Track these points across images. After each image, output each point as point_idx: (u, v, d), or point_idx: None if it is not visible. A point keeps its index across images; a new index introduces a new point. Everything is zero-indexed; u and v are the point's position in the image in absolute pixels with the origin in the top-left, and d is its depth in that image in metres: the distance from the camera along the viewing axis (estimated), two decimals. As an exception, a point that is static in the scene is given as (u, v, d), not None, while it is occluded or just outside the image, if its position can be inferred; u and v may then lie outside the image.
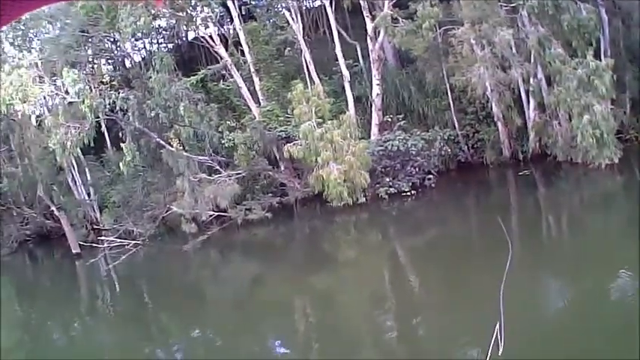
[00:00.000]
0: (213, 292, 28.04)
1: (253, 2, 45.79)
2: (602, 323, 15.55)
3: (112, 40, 44.57)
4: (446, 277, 22.44)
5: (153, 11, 36.45)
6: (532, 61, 34.94)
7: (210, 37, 38.72)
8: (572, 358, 13.79)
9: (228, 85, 39.81)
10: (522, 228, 27.97)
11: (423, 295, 21.75)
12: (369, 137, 37.01)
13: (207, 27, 39.22)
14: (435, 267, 24.18)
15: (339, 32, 39.15)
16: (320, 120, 34.44)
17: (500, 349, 13.51)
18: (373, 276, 25.63)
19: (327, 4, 39.06)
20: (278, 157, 37.65)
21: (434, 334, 17.61)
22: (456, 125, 37.80)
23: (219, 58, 39.53)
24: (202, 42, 41.16)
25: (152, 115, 36.29)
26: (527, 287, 19.07)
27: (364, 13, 38.36)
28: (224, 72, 39.81)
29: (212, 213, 35.44)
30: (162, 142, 36.99)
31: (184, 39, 48.01)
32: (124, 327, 24.39)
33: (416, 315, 19.45)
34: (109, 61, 48.18)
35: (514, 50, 34.76)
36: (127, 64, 48.06)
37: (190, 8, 38.51)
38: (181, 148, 36.97)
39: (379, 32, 38.02)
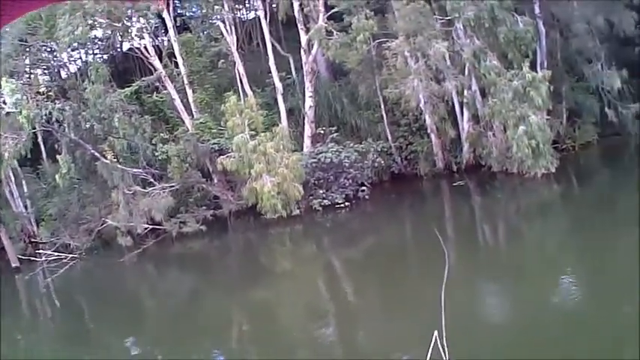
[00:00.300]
0: (151, 305, 28.11)
1: (188, 14, 46.12)
2: (542, 329, 16.03)
3: (49, 49, 44.25)
4: (382, 287, 22.95)
5: (90, 21, 36.43)
6: (466, 73, 35.65)
7: (145, 48, 38.73)
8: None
9: (161, 97, 39.75)
10: (458, 237, 28.54)
11: (360, 305, 22.18)
12: (302, 149, 37.29)
13: (142, 38, 39.18)
14: (371, 277, 24.63)
15: (272, 45, 39.45)
16: (253, 132, 34.59)
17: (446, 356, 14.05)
18: (310, 287, 26.00)
19: (262, 16, 39.48)
20: (211, 170, 37.62)
21: (371, 344, 18.04)
22: (389, 137, 38.22)
23: (153, 69, 39.43)
24: (137, 53, 41.02)
25: (87, 126, 36.16)
26: (466, 295, 19.31)
27: (299, 25, 38.75)
28: (158, 84, 39.75)
29: (147, 226, 35.39)
30: (97, 154, 36.68)
31: (119, 50, 47.48)
32: (62, 342, 24.26)
33: (353, 325, 19.93)
34: (46, 71, 47.75)
35: (448, 63, 35.32)
36: (63, 74, 47.44)
37: (127, 19, 38.58)
38: (116, 160, 36.74)
39: (313, 45, 38.49)
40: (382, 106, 38.07)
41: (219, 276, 30.03)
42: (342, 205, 35.15)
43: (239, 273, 29.78)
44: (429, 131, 37.46)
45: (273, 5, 41.80)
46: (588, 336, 15.18)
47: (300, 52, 39.49)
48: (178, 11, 43.87)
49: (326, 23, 37.28)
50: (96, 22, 37.33)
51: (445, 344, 14.30)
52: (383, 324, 18.99)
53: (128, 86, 39.17)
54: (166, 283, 31.04)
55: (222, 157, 34.87)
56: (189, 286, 29.86)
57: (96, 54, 47.01)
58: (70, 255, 35.31)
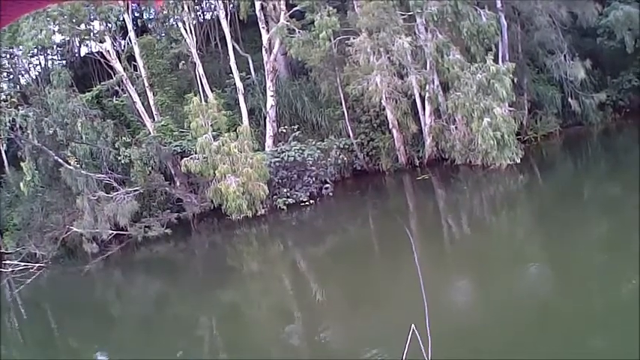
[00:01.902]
0: (120, 312, 28.38)
1: (146, 16, 46.86)
2: (509, 319, 16.94)
3: (9, 55, 44.79)
4: (350, 283, 23.62)
5: (52, 26, 37.22)
6: (429, 67, 36.62)
7: (107, 51, 39.07)
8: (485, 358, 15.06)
9: (122, 101, 40.26)
10: (424, 231, 29.32)
11: (329, 302, 22.77)
12: (264, 149, 38.00)
13: (103, 41, 39.47)
14: (339, 274, 25.43)
15: (232, 45, 40.32)
16: (216, 133, 35.34)
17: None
18: (278, 287, 26.68)
19: (222, 16, 40.08)
20: (174, 173, 38.31)
21: (342, 341, 18.73)
22: (351, 134, 39.13)
23: (112, 73, 39.99)
24: (96, 57, 41.73)
25: (50, 132, 36.51)
26: (435, 288, 19.63)
27: (260, 24, 39.59)
28: (117, 88, 40.37)
29: (112, 232, 35.67)
30: (60, 160, 37.10)
31: (77, 55, 48.26)
32: (31, 353, 24.63)
33: (323, 323, 20.34)
34: (6, 77, 48.29)
35: (410, 58, 36.20)
36: (23, 80, 47.83)
37: (89, 21, 39.19)
38: (79, 166, 37.06)
39: (274, 44, 39.42)
40: (343, 103, 38.94)
41: (187, 279, 30.34)
42: (307, 203, 35.92)
43: (207, 275, 30.14)
44: (390, 127, 38.40)
45: (231, 6, 42.55)
46: (555, 325, 15.81)
47: (258, 52, 40.63)
48: (135, 14, 44.50)
49: (287, 21, 38.17)
50: (59, 26, 37.87)
51: (419, 337, 15.46)
52: (353, 320, 19.62)
53: (88, 91, 39.50)
54: (134, 289, 31.48)
55: (185, 159, 35.40)
56: (157, 290, 30.19)
57: (54, 59, 47.72)
58: (37, 264, 35.35)
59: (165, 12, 40.69)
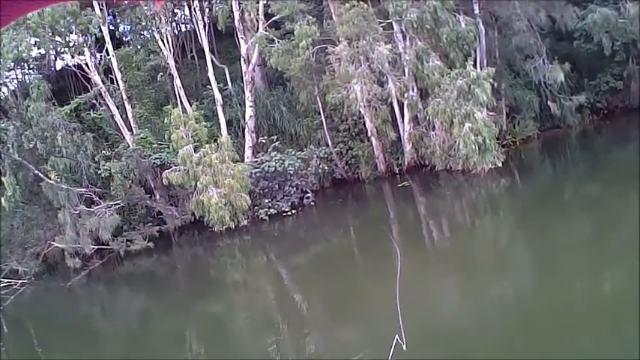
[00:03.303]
0: (104, 327, 28.87)
1: (122, 28, 47.58)
2: (498, 321, 17.96)
3: None
4: (334, 293, 24.20)
5: (31, 39, 37.66)
6: (408, 74, 37.55)
7: (86, 64, 39.76)
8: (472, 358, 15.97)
9: (100, 114, 40.42)
10: (406, 238, 30.09)
11: (314, 312, 23.63)
12: (243, 160, 38.58)
13: (81, 53, 40.18)
14: (322, 284, 26.06)
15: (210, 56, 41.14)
16: (197, 144, 35.99)
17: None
18: (262, 298, 27.39)
19: (201, 27, 40.97)
20: (153, 186, 38.83)
21: (326, 351, 19.42)
22: (329, 143, 40.01)
23: (89, 86, 40.52)
24: (73, 70, 42.43)
25: (30, 146, 36.89)
26: (420, 294, 21.01)
27: (238, 35, 40.59)
28: (94, 101, 40.66)
29: (94, 246, 36.05)
30: (40, 174, 37.42)
31: (53, 69, 48.98)
32: None
33: (308, 333, 21.26)
34: None
35: (389, 65, 37.08)
36: (2, 93, 47.56)
37: (68, 33, 39.65)
38: (59, 180, 37.44)
39: (252, 54, 40.31)
40: (321, 113, 39.79)
41: (171, 293, 30.67)
42: (289, 213, 36.68)
43: (191, 288, 30.68)
44: (369, 135, 39.30)
45: (206, 17, 42.99)
46: (539, 326, 16.62)
47: (234, 63, 41.69)
48: (110, 27, 44.89)
49: (266, 31, 39.05)
50: (38, 38, 38.28)
51: (404, 341, 16.30)
52: (336, 330, 20.41)
53: (66, 104, 39.76)
54: (118, 304, 31.92)
55: (167, 171, 35.96)
56: (141, 305, 30.71)
57: (30, 73, 48.28)
58: (20, 281, 35.39)
59: (143, 23, 41.56)
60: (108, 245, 36.39)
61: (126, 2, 43.31)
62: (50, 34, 38.37)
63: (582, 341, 15.49)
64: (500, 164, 34.82)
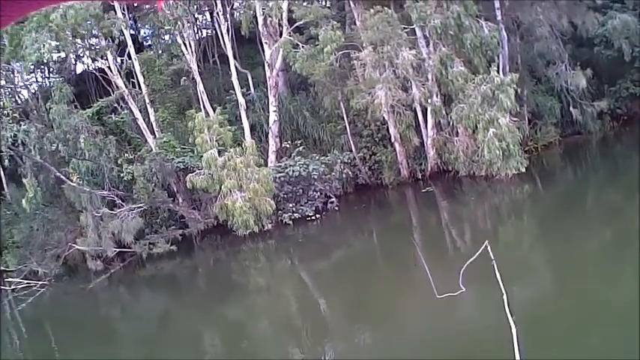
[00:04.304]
0: (125, 330, 29.17)
1: (142, 32, 48.46)
2: (527, 329, 17.84)
3: (10, 70, 45.09)
4: (356, 298, 24.89)
5: (53, 41, 38.23)
6: (431, 80, 38.35)
7: (108, 67, 40.28)
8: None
9: (122, 118, 41.04)
10: (429, 244, 30.65)
11: (336, 317, 24.25)
12: (266, 165, 39.04)
13: (103, 57, 40.70)
14: (345, 289, 26.67)
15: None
16: (221, 148, 36.61)
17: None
18: (285, 302, 28.06)
19: (224, 31, 41.49)
20: (176, 190, 39.45)
21: (350, 355, 19.94)
22: (353, 148, 40.75)
23: (110, 90, 41.09)
24: (94, 74, 43.23)
25: (52, 148, 37.39)
26: (445, 301, 21.38)
27: (262, 39, 41.44)
28: (116, 104, 41.38)
29: (117, 249, 36.61)
30: (62, 176, 38.19)
31: (73, 72, 49.54)
32: None
33: (330, 338, 21.90)
34: (5, 93, 48.82)
35: (413, 71, 37.76)
36: (22, 96, 48.27)
37: (90, 37, 40.71)
38: (81, 182, 38.33)
39: (276, 59, 40.96)
40: (345, 118, 40.58)
41: (194, 296, 31.23)
42: (313, 218, 37.36)
43: (215, 292, 30.95)
44: (392, 140, 40.00)
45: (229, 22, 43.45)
46: (555, 334, 17.19)
47: (256, 69, 42.60)
48: (131, 31, 45.25)
49: (291, 36, 39.83)
50: (61, 41, 38.95)
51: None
52: (360, 335, 21.14)
53: (88, 108, 40.31)
54: (140, 307, 32.41)
55: (191, 174, 36.54)
56: (162, 308, 31.16)
57: (51, 76, 48.93)
58: (39, 282, 35.87)
59: (167, 27, 42.28)
60: (130, 248, 36.90)
61: (146, 6, 44.16)
62: (72, 37, 39.24)
63: (603, 347, 15.98)
64: (524, 169, 35.49)
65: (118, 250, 36.84)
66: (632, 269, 20.57)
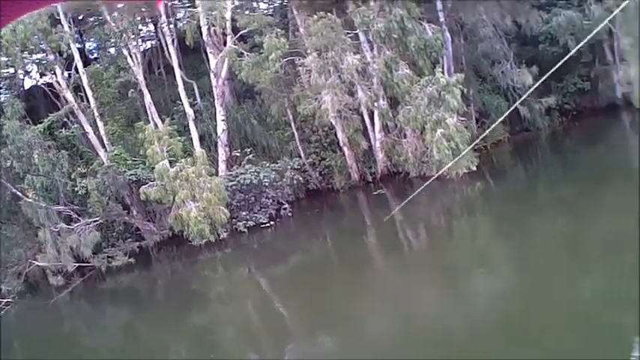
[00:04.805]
0: (90, 345, 30.47)
1: (89, 46, 50.61)
2: (474, 321, 20.18)
3: None
4: (314, 300, 26.68)
5: (3, 57, 40.20)
6: (377, 84, 40.78)
7: (57, 82, 42.41)
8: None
9: (72, 132, 42.65)
10: (383, 245, 33.34)
11: (295, 321, 26.09)
12: (217, 174, 40.85)
13: (52, 71, 42.83)
14: (302, 294, 28.54)
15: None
16: (172, 159, 38.49)
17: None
18: (245, 310, 29.67)
19: (170, 42, 43.89)
20: (130, 202, 41.05)
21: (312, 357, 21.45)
22: (302, 154, 42.90)
23: (59, 105, 42.92)
24: (42, 89, 44.95)
25: (7, 165, 38.93)
26: (401, 297, 23.89)
27: (207, 49, 43.43)
28: (66, 119, 43.23)
29: (76, 264, 38.31)
30: (19, 193, 39.51)
31: (22, 88, 51.12)
32: None
33: (291, 342, 23.62)
34: None
35: (358, 75, 40.40)
36: None
37: (39, 52, 42.46)
38: (37, 198, 39.58)
39: (222, 68, 43.11)
40: (292, 124, 42.78)
41: (154, 308, 33.04)
42: (267, 225, 39.37)
43: (173, 302, 32.68)
44: (341, 145, 42.26)
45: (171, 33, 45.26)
46: (511, 324, 19.15)
47: (201, 78, 44.66)
48: (77, 45, 47.24)
49: (236, 45, 42.00)
50: (11, 56, 41.18)
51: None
52: (320, 338, 23.00)
53: (39, 123, 41.99)
54: (102, 320, 33.70)
55: (144, 186, 38.28)
56: (125, 321, 32.80)
57: (0, 93, 51.48)
58: (3, 300, 36.82)
59: (113, 40, 45.17)
60: (89, 262, 38.46)
61: (91, 18, 47.52)
62: (21, 52, 41.03)
63: (557, 339, 17.49)
64: (474, 168, 37.96)
65: (77, 264, 38.38)
66: (585, 259, 23.00)
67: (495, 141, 44.08)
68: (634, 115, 43.67)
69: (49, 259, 38.46)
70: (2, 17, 1.81)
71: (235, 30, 43.15)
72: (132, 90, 45.28)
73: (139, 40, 48.45)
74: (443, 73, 39.77)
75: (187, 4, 48.90)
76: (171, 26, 45.72)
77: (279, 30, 41.43)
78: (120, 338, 30.27)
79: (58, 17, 41.88)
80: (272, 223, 40.07)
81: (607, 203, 28.96)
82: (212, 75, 43.89)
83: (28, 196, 39.85)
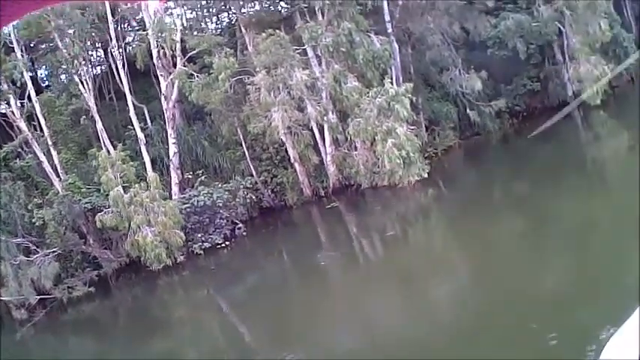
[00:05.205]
0: None
1: (40, 73, 50.62)
2: (434, 326, 20.80)
3: None
4: (273, 318, 27.19)
5: None
6: (326, 98, 41.00)
7: (12, 112, 42.20)
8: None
9: (27, 162, 42.34)
10: (339, 256, 33.56)
11: (257, 340, 26.82)
12: (170, 197, 40.99)
13: (6, 101, 42.55)
14: (261, 311, 28.83)
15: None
16: (125, 185, 38.42)
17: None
18: (207, 332, 29.99)
19: (120, 66, 43.88)
20: (86, 230, 40.76)
21: None
22: (254, 173, 43.00)
23: (13, 134, 42.84)
24: None
25: None
26: (360, 306, 24.29)
27: (158, 72, 43.52)
28: (20, 149, 42.89)
29: (38, 296, 37.79)
30: None
31: None
32: None
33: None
34: None
35: (307, 90, 40.61)
36: None
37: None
38: None
39: (172, 90, 43.27)
40: (243, 143, 42.92)
41: (121, 336, 33.15)
42: (223, 245, 39.54)
43: (140, 329, 32.72)
44: (292, 161, 42.36)
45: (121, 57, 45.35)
46: (472, 326, 19.52)
47: (151, 102, 44.68)
48: (29, 73, 46.24)
49: (185, 66, 42.18)
50: None
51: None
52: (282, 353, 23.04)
53: None
54: (70, 354, 33.46)
55: (99, 214, 38.23)
56: (94, 351, 32.69)
57: None
58: None
59: (64, 67, 45.23)
60: (50, 294, 38.09)
61: (42, 45, 47.29)
62: None
63: (516, 339, 17.88)
64: (426, 175, 38.27)
65: (39, 297, 37.93)
66: (541, 258, 23.22)
67: (446, 147, 44.52)
68: (585, 111, 44.30)
69: (11, 293, 37.94)
70: (2, 17, 1.75)
71: (185, 51, 43.27)
72: (84, 117, 45.20)
73: (90, 65, 48.23)
74: (392, 83, 39.95)
75: (137, 28, 48.78)
76: (121, 50, 45.62)
77: (227, 49, 41.60)
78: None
79: (11, 45, 41.65)
80: (227, 243, 40.21)
81: (560, 197, 29.65)
82: (162, 98, 43.96)
83: (-14, 230, 38.45)
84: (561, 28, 45.49)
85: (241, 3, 45.35)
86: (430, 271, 27.49)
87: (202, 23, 50.58)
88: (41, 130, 43.67)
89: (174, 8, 44.41)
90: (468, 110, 44.57)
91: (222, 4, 49.21)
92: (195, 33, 45.62)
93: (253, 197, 42.87)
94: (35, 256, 39.02)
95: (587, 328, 16.93)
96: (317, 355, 22.04)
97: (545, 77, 47.29)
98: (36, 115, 43.53)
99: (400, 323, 22.61)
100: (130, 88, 44.56)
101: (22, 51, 42.94)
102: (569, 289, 20.24)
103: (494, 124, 45.77)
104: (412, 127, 39.64)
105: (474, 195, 37.19)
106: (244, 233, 41.02)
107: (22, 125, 42.54)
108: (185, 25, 45.89)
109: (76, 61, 43.26)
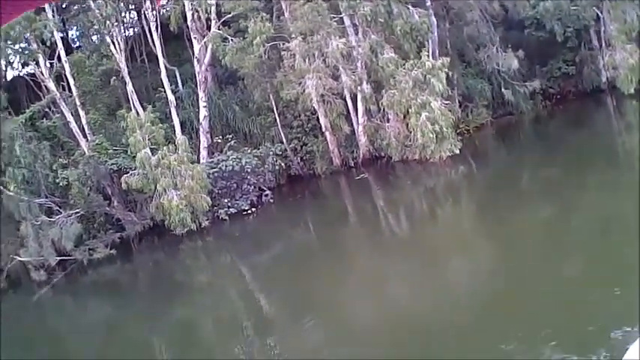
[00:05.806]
0: (76, 341, 29.57)
1: (71, 34, 49.88)
2: (457, 306, 19.74)
3: None
4: (298, 289, 26.22)
5: None
6: (361, 68, 40.19)
7: (41, 72, 41.43)
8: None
9: (54, 122, 41.58)
10: (366, 231, 32.94)
11: (280, 310, 25.64)
12: (199, 161, 40.26)
13: (35, 61, 41.87)
14: (286, 281, 27.96)
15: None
16: (154, 147, 37.62)
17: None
18: (229, 299, 29.32)
19: (153, 29, 43.02)
20: (110, 192, 40.17)
21: (297, 348, 20.91)
22: (284, 140, 42.35)
23: (42, 95, 42.28)
24: (24, 79, 44.56)
25: None
26: (387, 285, 23.53)
27: (191, 34, 42.91)
28: (47, 109, 42.44)
29: (58, 257, 37.07)
30: (0, 187, 38.23)
31: (4, 79, 49.64)
32: None
33: (276, 332, 23.04)
34: None
35: (343, 59, 39.73)
36: None
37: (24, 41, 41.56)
38: (18, 191, 38.34)
39: (205, 54, 42.64)
40: (275, 110, 42.19)
41: (141, 300, 32.07)
42: (249, 212, 38.75)
43: (160, 294, 31.71)
44: (323, 129, 41.72)
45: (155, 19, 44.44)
46: (496, 308, 18.81)
47: (183, 65, 44.19)
48: (60, 33, 46.04)
49: (219, 30, 41.40)
50: None
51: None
52: (305, 326, 22.01)
53: (21, 114, 41.01)
54: (88, 316, 32.25)
55: (125, 175, 37.53)
56: (109, 314, 31.39)
57: None
58: None
59: (95, 27, 44.24)
60: (71, 255, 37.35)
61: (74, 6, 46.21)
62: (5, 41, 40.29)
63: (540, 323, 16.93)
64: (457, 151, 37.56)
65: (59, 258, 37.24)
66: (568, 243, 22.59)
67: (478, 124, 43.73)
68: (618, 99, 43.39)
69: (31, 254, 37.13)
70: (2, 15, 1.72)
71: (220, 15, 42.44)
72: (114, 78, 44.66)
73: (122, 26, 47.52)
74: (428, 56, 39.09)
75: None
76: (155, 12, 44.37)
77: (264, 14, 40.83)
78: (105, 332, 29.15)
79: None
80: (253, 210, 39.47)
81: (590, 186, 28.80)
82: (195, 61, 43.31)
83: (9, 190, 38.69)
84: (599, 13, 44.23)
85: (279, -32, 43.72)
86: (455, 249, 26.64)
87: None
88: (70, 90, 42.90)
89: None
90: (502, 89, 43.68)
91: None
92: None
93: (282, 164, 42.25)
94: (57, 217, 38.30)
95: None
96: (339, 322, 21.46)
97: (581, 61, 46.05)
98: (65, 75, 42.71)
99: (421, 296, 22.07)
100: (162, 51, 43.71)
101: (53, 11, 42.03)
102: (591, 275, 19.45)
103: (528, 104, 44.83)
104: (446, 102, 38.82)
105: (503, 175, 36.60)
106: (271, 200, 40.29)
107: (51, 85, 41.73)
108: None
109: (108, 22, 42.49)
